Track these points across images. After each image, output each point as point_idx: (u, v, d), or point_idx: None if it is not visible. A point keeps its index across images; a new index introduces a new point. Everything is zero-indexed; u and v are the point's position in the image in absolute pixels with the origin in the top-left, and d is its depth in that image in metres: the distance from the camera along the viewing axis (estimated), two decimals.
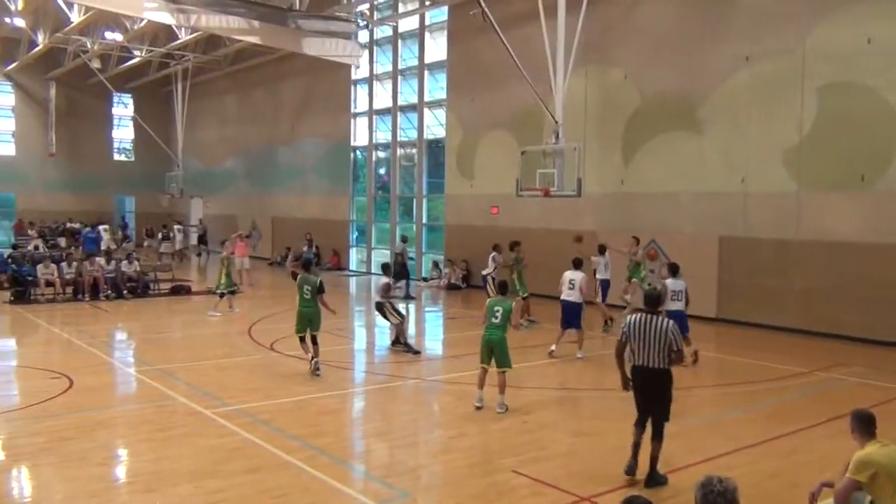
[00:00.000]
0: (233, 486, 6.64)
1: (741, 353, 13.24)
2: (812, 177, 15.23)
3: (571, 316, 12.62)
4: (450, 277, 22.93)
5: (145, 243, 33.19)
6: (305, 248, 24.65)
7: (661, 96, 17.88)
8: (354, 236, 29.39)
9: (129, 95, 40.23)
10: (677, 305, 11.77)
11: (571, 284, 12.59)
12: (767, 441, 8.20)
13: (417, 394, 10.82)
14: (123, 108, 41.08)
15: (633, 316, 6.92)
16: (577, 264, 12.93)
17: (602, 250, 15.71)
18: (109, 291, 19.46)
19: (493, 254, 17.10)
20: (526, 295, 15.78)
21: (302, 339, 11.32)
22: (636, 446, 6.93)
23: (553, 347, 12.65)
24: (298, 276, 11.54)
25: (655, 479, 6.82)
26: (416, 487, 6.86)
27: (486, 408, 9.27)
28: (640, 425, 6.97)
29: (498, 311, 9.27)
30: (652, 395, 6.86)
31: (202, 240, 33.75)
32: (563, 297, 12.72)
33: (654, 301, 7.12)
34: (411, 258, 21.13)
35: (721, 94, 16.65)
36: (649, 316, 6.83)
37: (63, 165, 39.40)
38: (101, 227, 32.49)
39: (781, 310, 15.64)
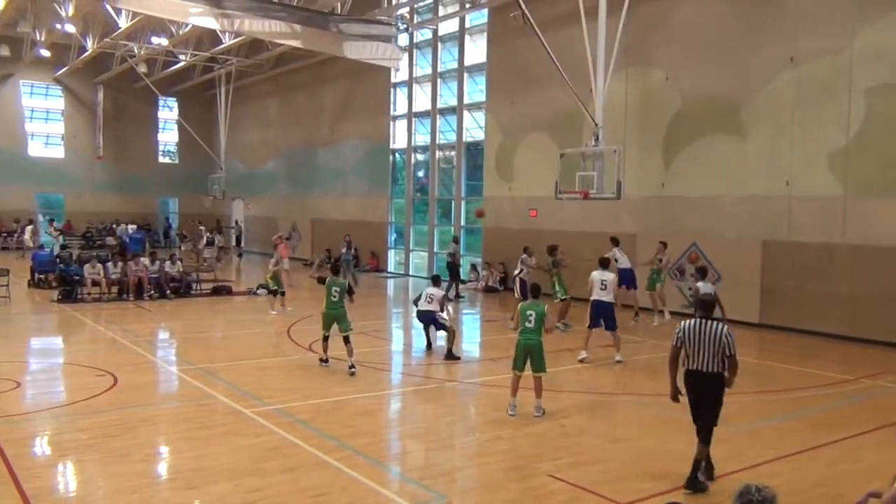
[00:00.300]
0: (271, 484, 6.71)
1: (784, 360, 12.98)
2: (859, 180, 14.87)
3: (607, 316, 12.43)
4: (487, 280, 22.91)
5: (182, 247, 33.76)
6: (344, 250, 24.81)
7: (702, 98, 17.64)
8: (393, 238, 29.53)
9: (174, 99, 41.00)
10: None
11: (604, 284, 12.47)
12: (811, 449, 8.02)
13: (454, 396, 10.82)
14: (168, 112, 41.89)
15: (688, 321, 6.90)
16: (605, 264, 12.93)
17: (615, 242, 16.26)
18: (153, 291, 19.85)
19: (523, 256, 17.04)
20: (565, 297, 15.67)
21: (325, 339, 11.61)
22: (708, 456, 6.92)
23: (584, 354, 12.43)
24: (328, 279, 11.73)
25: (696, 485, 6.74)
26: (452, 490, 6.86)
27: (520, 412, 9.23)
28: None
29: (531, 314, 9.18)
30: (705, 399, 6.84)
31: (238, 241, 34.35)
32: (595, 297, 12.51)
33: (708, 306, 7.11)
34: (459, 256, 21.49)
35: (765, 96, 16.36)
36: (704, 321, 6.82)
37: (110, 167, 40.34)
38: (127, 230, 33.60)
39: (826, 316, 15.30)
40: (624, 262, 16.05)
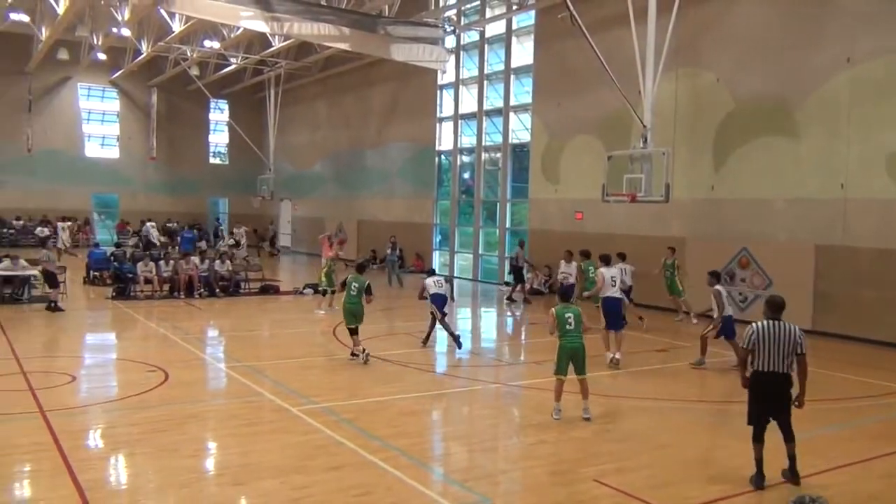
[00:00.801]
0: (317, 482, 6.78)
1: (838, 368, 12.63)
2: None
3: (615, 312, 12.40)
4: (532, 282, 22.78)
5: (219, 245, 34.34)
6: (389, 251, 25.02)
7: (755, 100, 17.29)
8: (438, 240, 29.60)
9: (225, 101, 41.79)
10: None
11: (613, 281, 12.62)
12: (866, 461, 7.79)
13: (497, 398, 10.79)
14: (219, 114, 42.66)
15: (759, 323, 6.98)
16: (608, 260, 13.37)
17: (622, 257, 16.05)
18: (203, 290, 20.24)
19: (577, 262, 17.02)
20: None
21: (352, 332, 12.20)
22: (761, 462, 6.96)
23: (615, 355, 12.26)
24: (349, 276, 12.54)
25: (798, 476, 6.93)
26: (495, 493, 6.84)
27: (566, 417, 9.17)
28: (760, 440, 7.01)
29: (569, 317, 9.09)
30: (778, 399, 6.96)
31: (272, 241, 34.87)
32: (607, 294, 12.48)
33: (778, 307, 7.15)
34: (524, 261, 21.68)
35: (819, 97, 15.97)
36: (775, 322, 6.95)
37: (162, 168, 41.28)
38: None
39: (883, 323, 14.85)
40: (626, 281, 15.18)
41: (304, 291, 21.15)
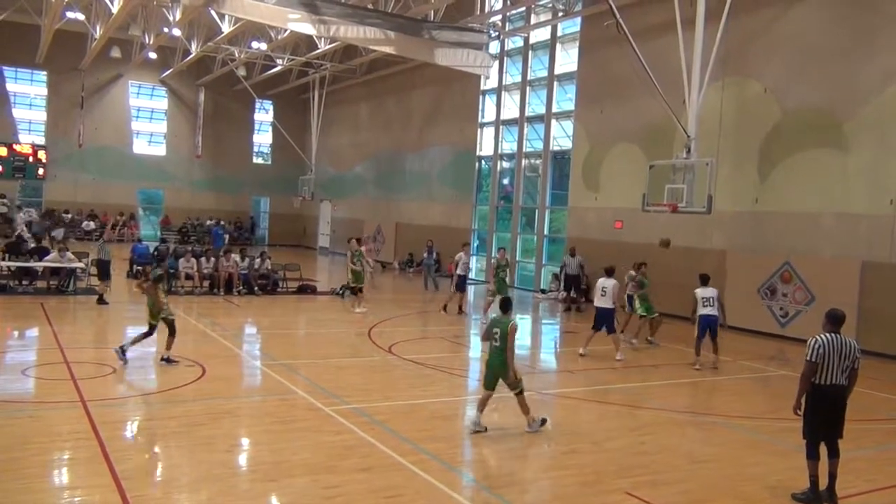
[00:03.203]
0: (347, 482, 6.82)
1: (882, 388, 12.30)
2: None
3: (605, 320, 13.52)
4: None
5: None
6: (426, 255, 25.12)
7: (803, 111, 16.96)
8: (476, 245, 29.56)
9: (270, 102, 42.32)
10: (709, 310, 13.03)
11: (604, 291, 13.54)
12: None
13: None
14: (264, 114, 43.24)
15: (822, 336, 6.97)
16: (610, 272, 13.87)
17: (610, 272, 14.06)
18: (241, 287, 20.51)
19: (631, 272, 15.97)
20: (653, 315, 15.38)
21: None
22: (817, 479, 6.95)
23: (582, 350, 13.69)
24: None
25: (835, 496, 6.90)
26: (524, 501, 6.81)
27: (599, 427, 9.10)
28: (816, 455, 7.00)
29: (496, 332, 8.70)
30: (838, 412, 7.01)
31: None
32: (596, 303, 13.76)
33: (840, 320, 7.12)
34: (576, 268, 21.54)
35: (871, 109, 15.61)
36: (836, 335, 6.98)
37: (207, 166, 41.97)
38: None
39: None
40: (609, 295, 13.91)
41: (340, 292, 21.31)
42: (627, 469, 7.69)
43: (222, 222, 39.99)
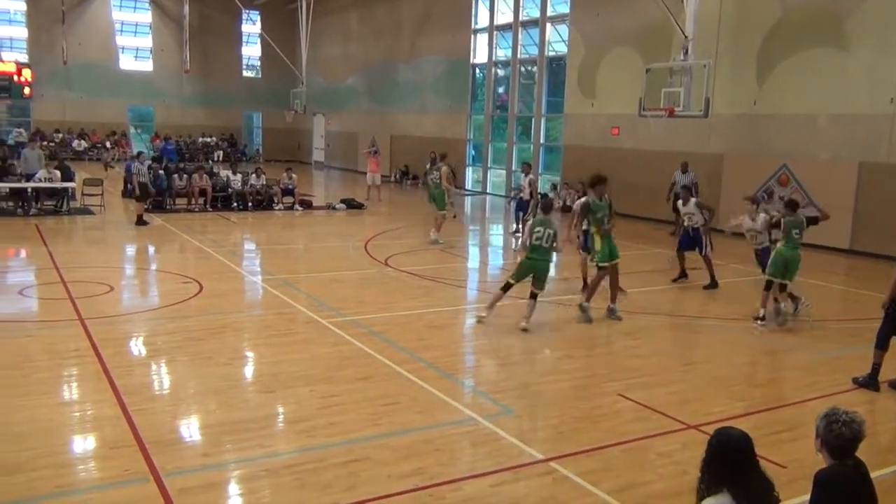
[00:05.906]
0: (345, 391, 6.94)
1: (873, 287, 12.34)
2: None
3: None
4: (565, 199, 22.54)
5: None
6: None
7: (805, 8, 16.48)
8: (471, 156, 29.31)
9: (257, 12, 41.06)
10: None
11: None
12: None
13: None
14: (251, 25, 42.07)
15: None
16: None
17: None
18: (236, 203, 20.42)
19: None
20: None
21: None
22: (880, 367, 7.56)
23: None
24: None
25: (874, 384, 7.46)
26: (520, 405, 6.94)
27: (595, 333, 9.22)
28: (885, 347, 7.58)
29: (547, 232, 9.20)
30: None
31: None
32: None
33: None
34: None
35: (874, 5, 15.16)
36: None
37: (196, 81, 41.11)
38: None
39: None
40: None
41: (337, 207, 21.22)
42: (621, 372, 7.82)
43: (173, 138, 38.70)
